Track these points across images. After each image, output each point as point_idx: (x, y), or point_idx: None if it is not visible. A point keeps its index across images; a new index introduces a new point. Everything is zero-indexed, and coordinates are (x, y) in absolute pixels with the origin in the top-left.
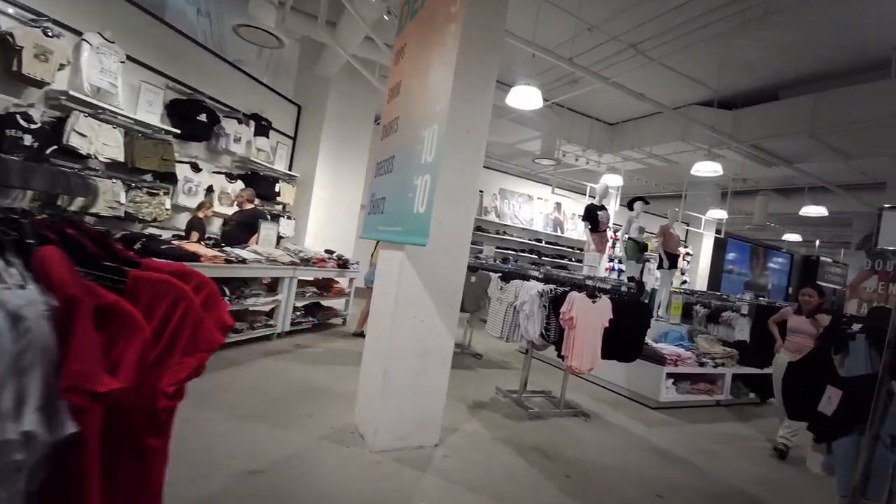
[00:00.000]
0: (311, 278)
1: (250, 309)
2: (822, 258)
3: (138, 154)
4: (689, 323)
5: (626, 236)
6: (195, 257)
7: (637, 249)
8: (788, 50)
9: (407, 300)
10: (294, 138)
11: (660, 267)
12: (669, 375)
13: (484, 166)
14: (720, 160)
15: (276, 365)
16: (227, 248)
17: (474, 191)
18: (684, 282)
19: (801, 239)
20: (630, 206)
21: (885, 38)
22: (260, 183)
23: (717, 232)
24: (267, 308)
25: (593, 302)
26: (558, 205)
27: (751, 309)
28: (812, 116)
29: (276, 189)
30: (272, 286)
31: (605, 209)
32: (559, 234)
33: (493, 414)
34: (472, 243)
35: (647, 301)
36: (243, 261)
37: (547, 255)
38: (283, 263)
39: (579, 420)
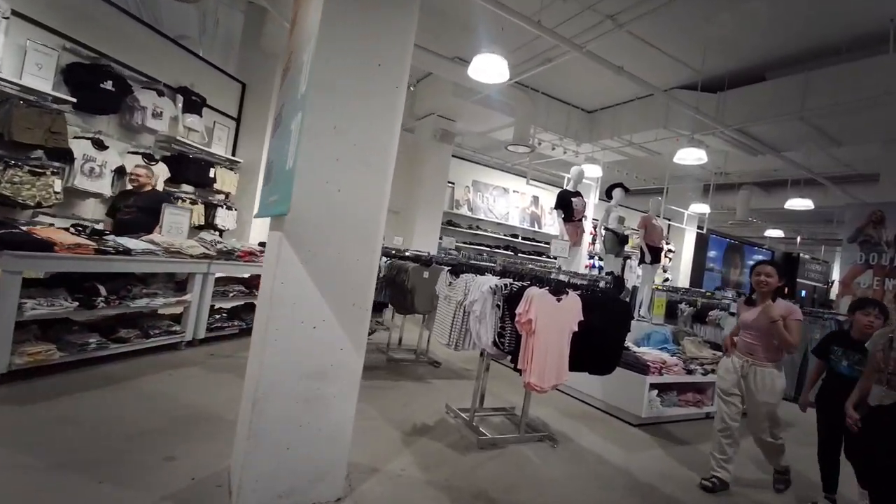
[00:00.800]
0: (245, 275)
1: (146, 312)
2: (802, 255)
3: (17, 125)
4: (674, 323)
5: (605, 227)
6: (46, 246)
7: (616, 242)
8: (777, 26)
9: (288, 299)
10: (238, 120)
11: (641, 262)
12: (653, 386)
13: (455, 156)
14: (703, 148)
15: (166, 383)
16: (110, 237)
17: (391, 149)
18: (666, 279)
19: (783, 235)
20: (608, 195)
21: (881, 10)
22: (189, 167)
23: (699, 227)
24: (171, 311)
25: (558, 300)
26: (535, 198)
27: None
28: (802, 97)
29: (212, 175)
30: (184, 284)
31: (580, 196)
32: (537, 229)
33: (435, 443)
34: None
35: (627, 299)
36: (127, 251)
37: (524, 252)
38: (192, 256)
39: (544, 446)
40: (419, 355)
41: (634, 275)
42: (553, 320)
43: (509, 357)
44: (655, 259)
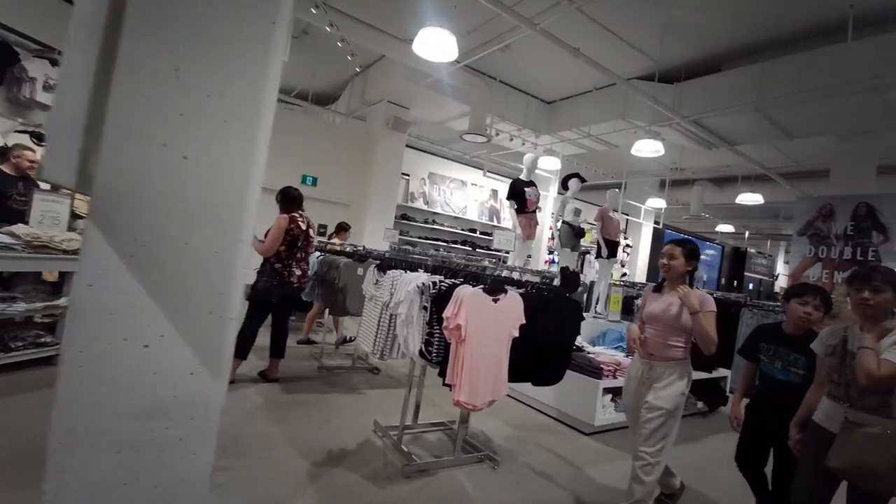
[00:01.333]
0: None
1: (17, 320)
2: (750, 250)
3: None
4: (631, 319)
5: (561, 220)
6: None
7: (572, 235)
8: (735, 14)
9: (101, 308)
10: None
11: (598, 256)
12: (607, 391)
13: (411, 147)
14: (660, 140)
15: (21, 409)
16: None
17: (266, 105)
18: (624, 274)
19: (733, 230)
20: (564, 185)
21: None
22: None
23: (656, 222)
24: (41, 318)
25: (495, 300)
26: (494, 192)
27: None
28: (758, 88)
29: None
30: (60, 287)
31: (533, 185)
32: (496, 223)
33: (350, 475)
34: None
35: (584, 297)
36: None
37: (482, 247)
38: (66, 251)
39: (483, 469)
40: (357, 361)
41: (593, 270)
42: (488, 324)
43: (438, 370)
44: (612, 253)
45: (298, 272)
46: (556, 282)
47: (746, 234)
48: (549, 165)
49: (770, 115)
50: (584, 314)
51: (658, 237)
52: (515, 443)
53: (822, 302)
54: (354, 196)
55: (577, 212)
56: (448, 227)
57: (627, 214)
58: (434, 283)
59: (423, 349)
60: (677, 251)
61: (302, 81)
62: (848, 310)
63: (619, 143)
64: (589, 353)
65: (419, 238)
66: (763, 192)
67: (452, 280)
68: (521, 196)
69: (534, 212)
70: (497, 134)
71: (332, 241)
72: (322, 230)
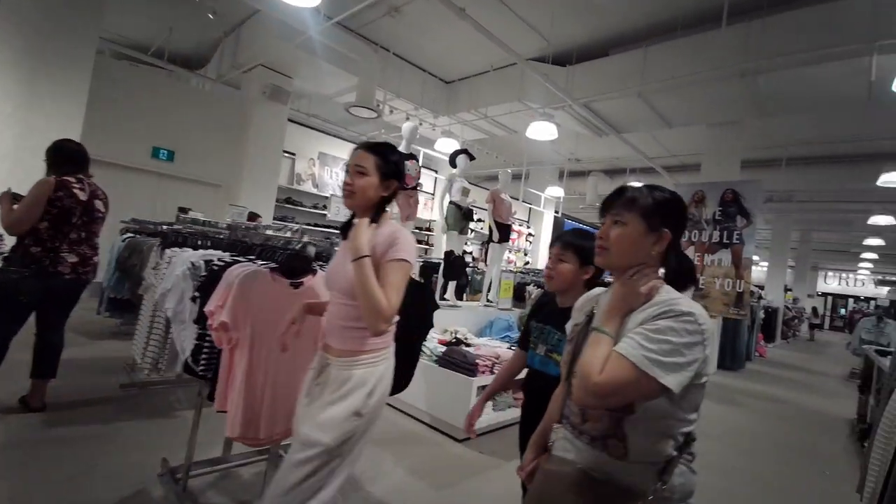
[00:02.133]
0: None
1: None
2: None
3: None
4: (522, 307)
5: (448, 199)
6: None
7: (460, 217)
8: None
9: None
10: None
11: (489, 241)
12: (483, 389)
13: (298, 122)
14: (554, 123)
15: None
16: None
17: None
18: (527, 262)
19: None
20: (452, 163)
21: None
22: None
23: (556, 212)
24: None
25: (295, 286)
26: None
27: None
28: (640, 73)
29: None
30: None
31: (414, 159)
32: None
33: None
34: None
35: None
36: None
37: None
38: None
39: None
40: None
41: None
42: (279, 322)
43: (208, 391)
44: (504, 237)
45: (73, 259)
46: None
47: None
48: (448, 148)
49: (650, 101)
50: (477, 302)
51: (558, 225)
52: (368, 461)
53: (576, 253)
54: (226, 175)
55: (465, 191)
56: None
57: (530, 203)
58: (207, 262)
59: (191, 360)
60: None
61: (159, 38)
62: (717, 290)
63: (517, 128)
64: (469, 346)
65: (307, 225)
66: (648, 181)
67: (238, 258)
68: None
69: (414, 188)
70: (391, 112)
71: None
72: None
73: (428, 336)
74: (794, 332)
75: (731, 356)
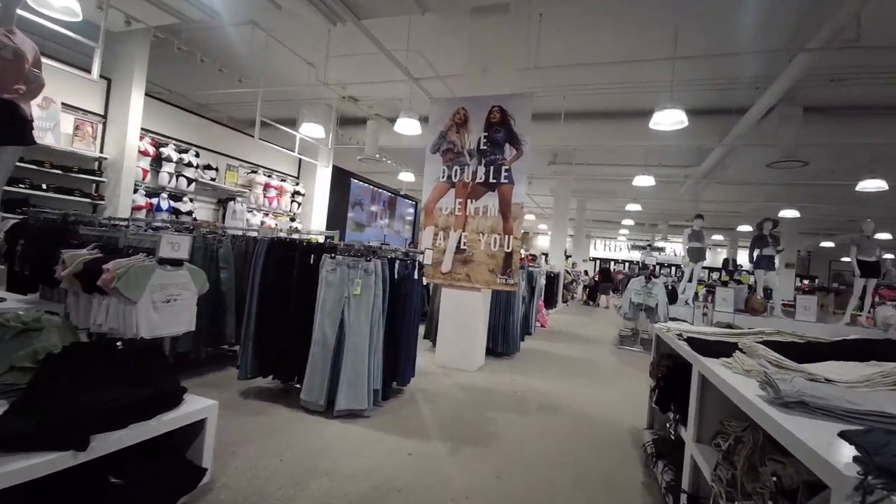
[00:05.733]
0: None
1: None
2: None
3: None
4: None
5: None
6: None
7: None
8: None
9: None
10: None
11: None
12: None
13: None
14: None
15: None
16: None
17: None
18: (296, 230)
19: (413, 179)
20: None
21: None
22: None
23: (327, 165)
24: None
25: None
26: None
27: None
28: None
29: None
30: None
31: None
32: None
33: None
34: None
35: None
36: None
37: None
38: None
39: None
40: None
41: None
42: None
43: None
44: None
45: None
46: None
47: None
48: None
49: None
50: None
51: (342, 185)
52: None
53: None
54: None
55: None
56: None
57: (302, 156)
58: None
59: None
60: None
61: None
62: (482, 251)
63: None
64: None
65: None
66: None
67: None
68: None
69: None
70: None
71: None
72: None
73: None
74: (573, 295)
75: (503, 340)
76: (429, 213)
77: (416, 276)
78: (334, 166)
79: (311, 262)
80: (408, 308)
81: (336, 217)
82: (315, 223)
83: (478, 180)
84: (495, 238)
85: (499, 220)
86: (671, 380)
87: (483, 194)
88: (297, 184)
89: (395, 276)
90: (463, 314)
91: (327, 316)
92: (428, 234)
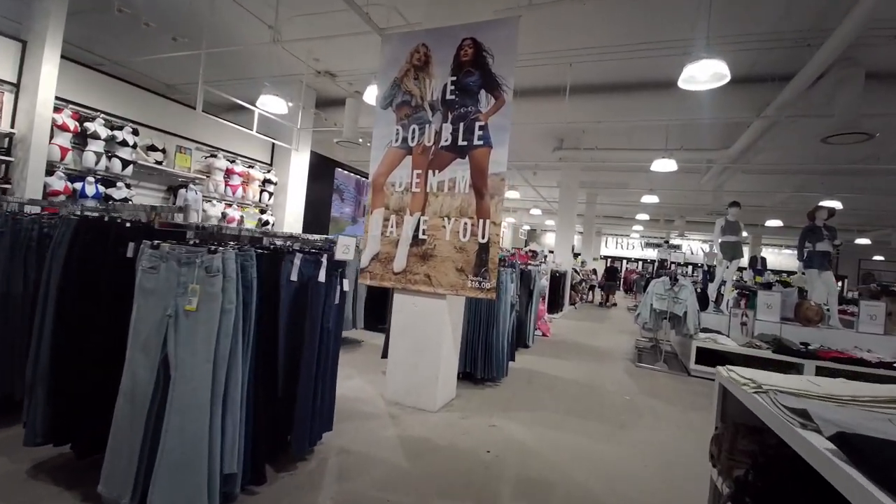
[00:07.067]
0: None
1: None
2: None
3: None
4: None
5: None
6: None
7: None
8: None
9: None
10: None
11: None
12: None
13: None
14: None
15: None
16: None
17: None
18: (266, 223)
19: None
20: None
21: None
22: None
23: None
24: None
25: None
26: None
27: None
28: None
29: None
30: None
31: None
32: None
33: None
34: None
35: None
36: None
37: None
38: None
39: None
40: None
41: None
42: None
43: None
44: None
45: None
46: None
47: None
48: None
49: None
50: None
51: (323, 174)
52: None
53: None
54: None
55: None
56: None
57: (274, 139)
58: None
59: None
60: None
61: None
62: (447, 242)
63: None
64: None
65: None
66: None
67: None
68: None
69: None
70: None
71: None
72: None
73: None
74: (582, 297)
75: (484, 362)
76: (377, 189)
77: (328, 279)
78: (317, 154)
79: (131, 255)
80: (313, 332)
81: (317, 209)
82: (290, 215)
83: (443, 143)
84: (465, 224)
85: (470, 197)
86: (769, 479)
87: (449, 162)
88: (269, 171)
89: (293, 279)
90: (420, 331)
91: (140, 348)
92: (376, 220)
